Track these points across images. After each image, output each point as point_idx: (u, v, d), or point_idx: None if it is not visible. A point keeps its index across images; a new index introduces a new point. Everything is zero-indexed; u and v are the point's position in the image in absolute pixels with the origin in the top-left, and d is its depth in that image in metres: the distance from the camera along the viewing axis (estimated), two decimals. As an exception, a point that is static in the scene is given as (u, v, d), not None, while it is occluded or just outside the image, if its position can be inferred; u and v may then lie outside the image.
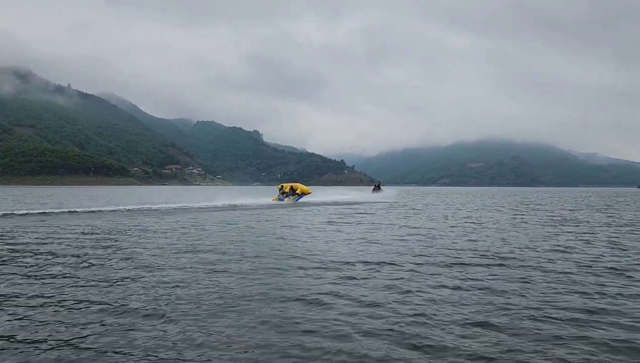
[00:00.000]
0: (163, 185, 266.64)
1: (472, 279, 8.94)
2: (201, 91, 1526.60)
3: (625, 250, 12.93)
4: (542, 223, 20.75)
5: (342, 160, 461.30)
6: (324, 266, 10.20)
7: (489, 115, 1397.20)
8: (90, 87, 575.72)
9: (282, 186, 41.85)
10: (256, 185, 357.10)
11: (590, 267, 10.29)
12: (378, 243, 14.06)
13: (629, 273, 9.58)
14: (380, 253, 12.17)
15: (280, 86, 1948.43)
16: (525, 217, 24.60)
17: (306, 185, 44.69)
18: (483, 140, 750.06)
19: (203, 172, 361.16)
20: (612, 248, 13.31)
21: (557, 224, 20.46)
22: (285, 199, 39.64)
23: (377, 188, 56.69)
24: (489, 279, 8.97)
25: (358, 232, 17.01)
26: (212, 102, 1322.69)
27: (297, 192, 40.53)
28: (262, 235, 15.91)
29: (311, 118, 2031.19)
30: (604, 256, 11.74)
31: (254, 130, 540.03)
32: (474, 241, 14.47)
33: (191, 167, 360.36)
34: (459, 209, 31.73)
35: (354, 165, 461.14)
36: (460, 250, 12.64)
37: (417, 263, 10.53)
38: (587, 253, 12.14)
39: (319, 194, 46.91)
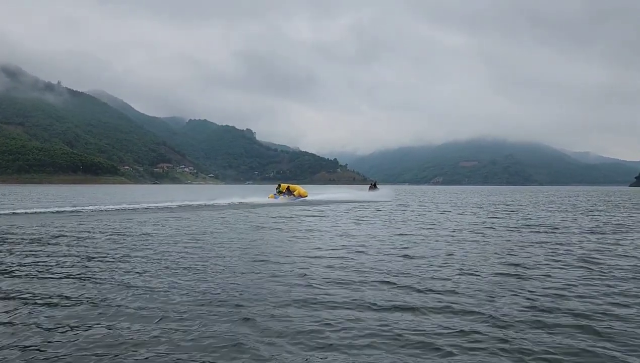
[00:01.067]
0: (154, 183, 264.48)
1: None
2: (194, 89, 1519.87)
3: (604, 275, 9.33)
4: (512, 229, 18.09)
5: (335, 158, 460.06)
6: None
7: (481, 113, 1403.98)
8: (81, 84, 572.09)
9: (279, 185, 42.63)
10: (248, 183, 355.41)
11: (549, 313, 6.71)
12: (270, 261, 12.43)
13: (607, 329, 6.06)
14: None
15: (273, 84, 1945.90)
16: (497, 220, 22.70)
17: (299, 184, 45.54)
18: (476, 138, 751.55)
19: (195, 171, 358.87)
20: (588, 270, 9.76)
21: (529, 231, 17.34)
22: (280, 197, 40.30)
23: (374, 186, 57.68)
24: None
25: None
26: (205, 101, 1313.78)
27: (293, 193, 41.04)
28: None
29: (305, 117, 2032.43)
30: (572, 288, 8.17)
31: (247, 129, 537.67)
32: (404, 259, 11.01)
33: (183, 166, 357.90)
34: (429, 211, 30.16)
35: (346, 164, 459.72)
36: (364, 271, 9.54)
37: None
38: (548, 282, 8.60)
39: (317, 193, 46.57)
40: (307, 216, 24.08)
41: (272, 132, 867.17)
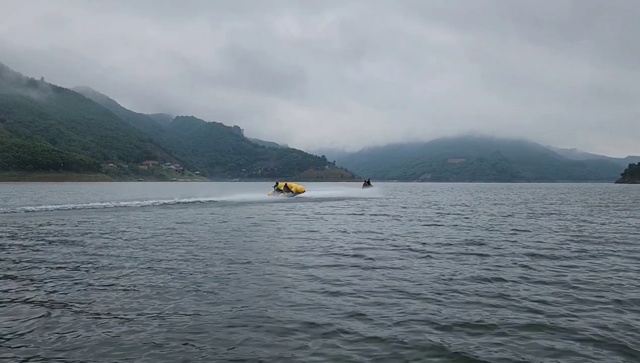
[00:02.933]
0: (139, 181, 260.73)
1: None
2: (181, 86, 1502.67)
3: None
4: (448, 241, 13.67)
5: (323, 156, 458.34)
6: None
7: (470, 110, 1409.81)
8: (65, 81, 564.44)
9: (277, 183, 44.49)
10: (235, 181, 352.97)
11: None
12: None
13: None
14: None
15: (261, 81, 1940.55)
16: (443, 220, 21.39)
17: (288, 182, 46.54)
18: (464, 136, 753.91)
19: (181, 168, 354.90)
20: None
21: (466, 244, 12.97)
22: (280, 195, 41.77)
23: (367, 184, 60.14)
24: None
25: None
26: (193, 98, 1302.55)
27: (291, 190, 42.44)
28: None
29: (293, 114, 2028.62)
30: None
31: (235, 126, 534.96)
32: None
33: (169, 163, 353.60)
34: (405, 207, 28.91)
35: (334, 161, 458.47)
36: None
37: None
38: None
39: (313, 190, 47.76)
40: (326, 213, 22.65)
41: (261, 130, 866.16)
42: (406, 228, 17.07)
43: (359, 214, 23.50)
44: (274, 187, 43.61)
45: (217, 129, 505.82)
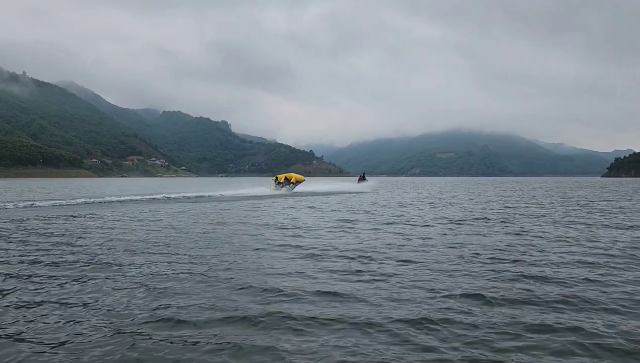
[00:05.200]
0: (122, 177, 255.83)
1: None
2: (168, 81, 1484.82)
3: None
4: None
5: (311, 150, 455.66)
6: None
7: (457, 105, 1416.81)
8: (48, 75, 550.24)
9: (276, 177, 43.01)
10: (221, 176, 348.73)
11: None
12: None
13: None
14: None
15: (249, 76, 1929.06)
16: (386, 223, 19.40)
17: (283, 174, 45.34)
18: (452, 130, 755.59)
19: (166, 163, 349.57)
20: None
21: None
22: (282, 189, 40.85)
23: (363, 178, 60.42)
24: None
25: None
26: (180, 92, 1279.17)
27: (291, 181, 41.61)
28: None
29: (282, 109, 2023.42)
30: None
31: (222, 121, 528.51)
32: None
33: (154, 159, 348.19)
34: (382, 204, 26.64)
35: (322, 156, 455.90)
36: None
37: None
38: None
39: (310, 185, 47.65)
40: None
41: (249, 125, 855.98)
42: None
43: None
44: (275, 181, 42.32)
45: (204, 124, 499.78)
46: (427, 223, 15.36)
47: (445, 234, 12.78)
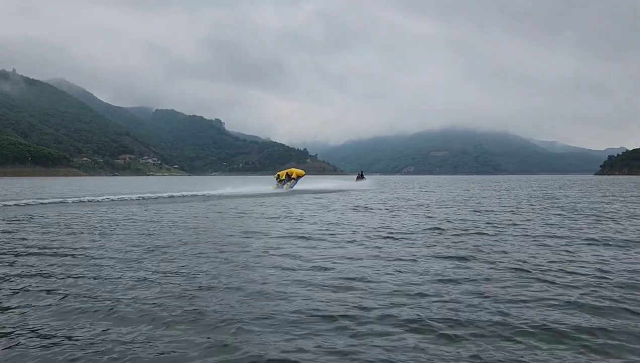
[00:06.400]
0: (114, 175, 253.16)
1: None
2: (161, 79, 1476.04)
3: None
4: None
5: (305, 149, 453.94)
6: None
7: (452, 103, 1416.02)
8: (38, 72, 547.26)
9: (278, 175, 42.67)
10: (214, 175, 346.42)
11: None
12: None
13: None
14: None
15: (243, 74, 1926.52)
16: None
17: (283, 171, 45.04)
18: (447, 128, 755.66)
19: (159, 162, 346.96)
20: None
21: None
22: (285, 186, 40.43)
23: (361, 176, 60.44)
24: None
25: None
26: (173, 90, 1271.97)
27: (292, 177, 41.34)
28: None
29: (276, 107, 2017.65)
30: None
31: (215, 119, 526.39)
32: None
33: (146, 157, 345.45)
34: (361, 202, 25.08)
35: (316, 154, 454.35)
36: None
37: None
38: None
39: (309, 183, 47.40)
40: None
41: (243, 123, 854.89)
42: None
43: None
44: (276, 179, 42.18)
45: (197, 122, 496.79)
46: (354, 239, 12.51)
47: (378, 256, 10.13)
